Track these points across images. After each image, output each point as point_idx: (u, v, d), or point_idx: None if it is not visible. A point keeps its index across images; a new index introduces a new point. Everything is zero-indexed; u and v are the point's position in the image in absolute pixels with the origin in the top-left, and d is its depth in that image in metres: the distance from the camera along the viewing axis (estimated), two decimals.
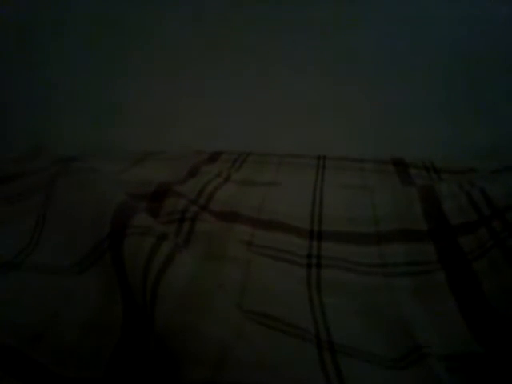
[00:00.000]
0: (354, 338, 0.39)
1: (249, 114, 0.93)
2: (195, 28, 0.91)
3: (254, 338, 0.32)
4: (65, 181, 0.55)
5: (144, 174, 0.70)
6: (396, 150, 0.85)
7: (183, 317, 0.32)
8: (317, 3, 0.88)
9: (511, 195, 0.53)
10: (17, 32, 0.95)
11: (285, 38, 0.90)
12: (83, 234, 0.46)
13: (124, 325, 0.37)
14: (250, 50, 0.91)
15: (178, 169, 0.73)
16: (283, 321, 0.38)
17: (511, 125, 0.86)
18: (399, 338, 0.38)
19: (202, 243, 0.50)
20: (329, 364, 0.35)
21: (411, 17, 0.87)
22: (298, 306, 0.42)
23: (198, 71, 0.93)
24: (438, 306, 0.43)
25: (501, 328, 0.38)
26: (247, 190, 0.68)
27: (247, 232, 0.56)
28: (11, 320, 0.36)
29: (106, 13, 0.93)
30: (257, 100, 0.92)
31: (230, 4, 0.90)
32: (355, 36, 0.89)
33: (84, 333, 0.37)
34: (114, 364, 0.34)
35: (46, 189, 0.55)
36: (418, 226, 0.55)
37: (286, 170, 0.80)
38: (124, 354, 0.35)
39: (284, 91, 0.92)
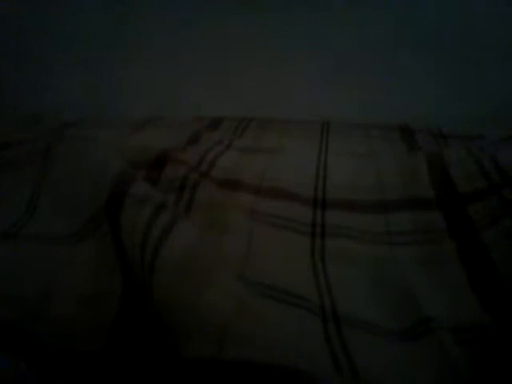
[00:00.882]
0: (360, 309, 0.38)
1: (250, 77, 0.90)
2: None
3: (257, 312, 0.31)
4: (61, 149, 0.53)
5: (143, 141, 0.68)
6: (402, 116, 0.83)
7: (182, 290, 0.31)
8: None
9: None
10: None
11: (286, 15, 0.87)
12: (81, 203, 0.45)
13: (123, 296, 0.36)
14: (250, 21, 0.89)
15: (178, 135, 0.72)
16: (287, 292, 0.37)
17: None
18: (406, 309, 0.37)
19: (202, 212, 0.49)
20: (334, 336, 0.34)
21: None
22: (302, 277, 0.41)
23: (197, 32, 0.91)
24: (446, 276, 0.42)
25: (510, 297, 0.37)
26: (249, 158, 0.66)
27: (249, 200, 0.55)
28: (7, 293, 0.36)
29: None
30: (258, 64, 0.90)
31: None
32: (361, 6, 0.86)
33: (82, 305, 0.36)
34: (114, 336, 0.34)
35: (42, 157, 0.53)
36: (426, 194, 0.54)
37: (289, 136, 0.78)
38: (123, 327, 0.35)
39: (286, 55, 0.90)
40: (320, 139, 0.75)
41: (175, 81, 0.92)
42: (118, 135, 0.73)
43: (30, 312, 0.35)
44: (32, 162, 0.54)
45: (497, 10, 0.82)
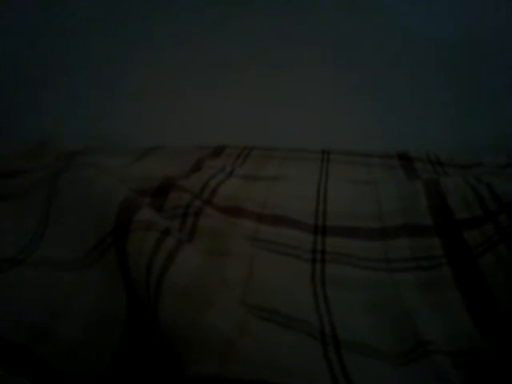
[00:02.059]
0: (359, 334, 0.38)
1: (250, 108, 0.92)
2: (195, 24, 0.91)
3: (258, 334, 0.32)
4: (68, 176, 0.54)
5: (147, 169, 0.69)
6: (401, 144, 0.84)
7: (186, 312, 0.31)
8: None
9: None
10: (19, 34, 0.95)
11: (285, 31, 0.89)
12: (87, 229, 0.45)
13: (128, 321, 0.37)
14: (249, 45, 0.91)
15: (181, 163, 0.73)
16: (287, 316, 0.38)
17: None
18: (404, 333, 0.38)
19: (205, 238, 0.50)
20: (334, 359, 0.34)
21: (412, 10, 0.86)
22: (303, 301, 0.42)
23: (199, 66, 0.93)
24: (444, 302, 0.42)
25: (507, 324, 0.38)
26: (251, 185, 0.67)
27: (251, 227, 0.56)
28: (14, 316, 0.36)
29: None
30: (258, 95, 0.92)
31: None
32: (357, 29, 0.88)
33: (87, 329, 0.37)
34: (118, 360, 0.34)
35: (49, 185, 0.55)
36: (423, 221, 0.55)
37: (290, 164, 0.80)
38: (128, 351, 0.35)
39: (285, 86, 0.92)
40: (320, 167, 0.77)
41: (174, 106, 0.94)
42: (123, 163, 0.75)
43: (37, 335, 0.35)
44: (39, 190, 0.55)
45: (497, 36, 0.85)
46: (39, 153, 0.80)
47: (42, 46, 0.95)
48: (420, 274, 0.47)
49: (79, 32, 0.94)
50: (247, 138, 0.89)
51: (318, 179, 0.70)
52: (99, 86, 0.95)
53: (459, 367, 0.34)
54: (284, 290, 0.43)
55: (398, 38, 0.87)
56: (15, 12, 0.93)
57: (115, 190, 0.48)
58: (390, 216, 0.58)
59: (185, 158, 0.76)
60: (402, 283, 0.46)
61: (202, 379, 0.28)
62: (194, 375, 0.28)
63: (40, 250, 0.47)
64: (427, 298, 0.43)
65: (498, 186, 0.55)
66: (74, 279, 0.42)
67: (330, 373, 0.32)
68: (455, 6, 0.85)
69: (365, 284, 0.46)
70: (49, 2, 0.93)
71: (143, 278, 0.35)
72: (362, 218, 0.58)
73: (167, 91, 0.94)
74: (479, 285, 0.43)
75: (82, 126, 0.94)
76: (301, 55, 0.90)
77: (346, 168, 0.77)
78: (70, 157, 0.75)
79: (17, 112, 0.96)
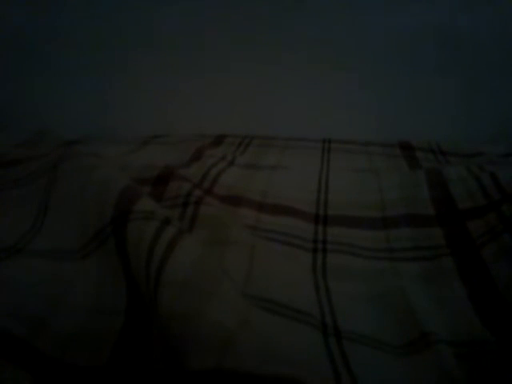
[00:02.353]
0: (360, 324, 0.38)
1: (251, 97, 0.91)
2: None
3: (259, 325, 0.31)
4: (67, 165, 0.54)
5: (147, 158, 0.69)
6: (402, 133, 0.84)
7: (186, 303, 0.31)
8: None
9: None
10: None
11: (284, 24, 0.88)
12: (86, 219, 0.45)
13: (128, 312, 0.37)
14: (249, 37, 0.90)
15: (181, 152, 0.73)
16: (288, 307, 0.37)
17: None
18: (406, 324, 0.38)
19: (205, 228, 0.50)
20: (335, 350, 0.34)
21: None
22: (304, 292, 0.42)
23: (199, 55, 0.92)
24: (446, 292, 0.42)
25: (510, 314, 0.38)
26: (252, 174, 0.67)
27: (252, 216, 0.55)
28: (13, 306, 0.36)
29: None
30: (259, 84, 0.91)
31: None
32: (359, 18, 0.87)
33: (87, 319, 0.36)
34: (117, 352, 0.34)
35: (48, 174, 0.54)
36: (426, 211, 0.54)
37: (290, 153, 0.79)
38: (127, 342, 0.35)
39: (286, 76, 0.91)
40: (321, 156, 0.76)
41: (175, 95, 0.93)
42: (123, 152, 0.74)
43: (35, 325, 0.35)
44: (38, 179, 0.55)
45: (500, 29, 0.84)
46: (38, 142, 0.79)
47: (42, 36, 0.94)
48: (422, 264, 0.47)
49: (78, 23, 0.93)
50: (248, 128, 0.88)
51: (319, 168, 0.70)
52: (99, 75, 0.94)
53: (461, 358, 0.34)
54: (285, 281, 0.42)
55: (399, 29, 0.86)
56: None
57: (115, 179, 0.47)
58: (391, 205, 0.57)
59: (185, 147, 0.76)
60: (403, 273, 0.45)
61: (202, 371, 0.27)
62: (194, 367, 0.28)
63: (38, 240, 0.47)
64: (429, 288, 0.43)
65: (500, 175, 0.54)
66: (72, 269, 0.42)
67: (332, 364, 0.32)
68: None
69: (366, 274, 0.46)
70: None
71: (143, 268, 0.35)
72: (364, 207, 0.58)
73: (167, 80, 0.93)
74: (482, 275, 0.43)
75: (81, 115, 0.93)
76: (301, 45, 0.89)
77: (347, 157, 0.77)
78: (69, 146, 0.74)
79: (16, 102, 0.96)
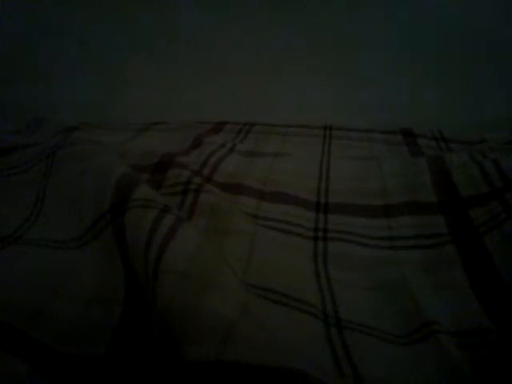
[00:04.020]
0: (361, 313, 0.38)
1: (252, 83, 0.90)
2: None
3: (259, 314, 0.31)
4: (65, 152, 0.53)
5: (146, 145, 0.68)
6: (404, 120, 0.83)
7: (185, 293, 0.31)
8: None
9: None
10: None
11: (285, 11, 0.87)
12: (84, 207, 0.45)
13: (126, 301, 0.36)
14: (250, 23, 0.89)
15: (181, 139, 0.72)
16: (289, 296, 0.37)
17: None
18: (408, 313, 0.37)
19: (205, 216, 0.49)
20: (336, 340, 0.34)
21: None
22: (304, 281, 0.41)
23: (200, 43, 0.91)
24: (448, 281, 0.42)
25: None
26: (252, 161, 0.66)
27: (252, 204, 0.55)
28: (9, 296, 0.36)
29: None
30: (259, 71, 0.90)
31: None
32: (357, 11, 0.86)
33: (85, 309, 0.36)
34: (116, 342, 0.34)
35: (46, 161, 0.54)
36: (428, 198, 0.54)
37: (291, 140, 0.78)
38: (126, 332, 0.35)
39: (286, 64, 0.90)
40: (322, 143, 0.76)
41: (175, 82, 0.92)
42: (121, 139, 0.74)
43: (32, 315, 0.35)
44: (36, 166, 0.54)
45: (501, 16, 0.83)
46: (36, 129, 0.79)
47: (43, 27, 0.93)
48: (424, 253, 0.46)
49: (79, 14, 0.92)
50: (248, 115, 0.88)
51: (320, 156, 0.69)
52: (99, 61, 0.94)
53: (464, 347, 0.33)
54: (285, 269, 0.42)
55: (400, 17, 0.85)
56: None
57: (113, 167, 0.47)
58: (393, 193, 0.57)
59: (185, 134, 0.75)
60: (405, 261, 0.45)
61: (202, 363, 0.27)
62: (194, 358, 0.27)
63: (36, 229, 0.46)
64: (431, 277, 0.42)
65: (504, 162, 0.54)
66: (70, 258, 0.41)
67: (333, 354, 0.32)
68: None
69: (368, 263, 0.45)
70: None
71: (142, 257, 0.34)
72: (365, 195, 0.57)
73: (167, 67, 0.92)
74: (484, 264, 0.42)
75: (81, 101, 0.93)
76: (301, 33, 0.88)
77: (349, 144, 0.76)
78: (67, 132, 0.74)
79: (16, 89, 0.95)
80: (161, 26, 0.91)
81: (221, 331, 0.28)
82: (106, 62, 0.94)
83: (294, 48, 0.89)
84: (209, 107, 0.90)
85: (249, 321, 0.29)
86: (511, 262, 0.41)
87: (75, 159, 0.51)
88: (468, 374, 0.31)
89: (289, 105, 0.89)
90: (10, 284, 0.37)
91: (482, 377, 0.31)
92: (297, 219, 0.52)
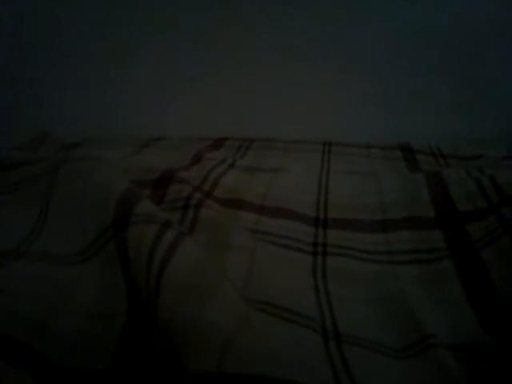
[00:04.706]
0: (360, 328, 0.38)
1: (252, 99, 0.92)
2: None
3: (259, 328, 0.32)
4: (68, 168, 0.54)
5: (147, 161, 0.69)
6: (402, 136, 0.84)
7: (187, 306, 0.31)
8: None
9: None
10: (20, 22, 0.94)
11: (284, 25, 0.89)
12: (86, 222, 0.45)
13: (128, 315, 0.37)
14: (250, 38, 0.90)
15: (181, 155, 0.73)
16: (288, 310, 0.37)
17: None
18: (406, 327, 0.38)
19: (206, 231, 0.50)
20: (335, 353, 0.34)
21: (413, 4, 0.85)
22: (304, 295, 0.42)
23: (198, 57, 0.92)
24: (446, 295, 0.42)
25: (509, 318, 0.38)
26: (252, 177, 0.67)
27: (252, 219, 0.55)
28: (13, 310, 0.36)
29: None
30: (258, 88, 0.91)
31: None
32: (357, 21, 0.87)
33: (86, 323, 0.36)
34: (118, 355, 0.34)
35: (49, 176, 0.54)
36: (426, 213, 0.54)
37: (291, 156, 0.79)
38: (128, 345, 0.35)
39: (285, 78, 0.91)
40: (321, 159, 0.76)
41: (172, 100, 0.94)
42: (123, 155, 0.74)
43: (36, 329, 0.35)
44: (39, 182, 0.55)
45: (500, 29, 0.84)
46: (39, 145, 0.79)
47: (42, 38, 0.94)
48: (422, 267, 0.47)
49: (79, 24, 0.93)
50: (248, 131, 0.89)
51: (320, 171, 0.70)
52: (99, 77, 0.95)
53: (461, 361, 0.34)
54: (285, 284, 0.42)
55: (397, 32, 0.86)
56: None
57: (115, 182, 0.47)
58: (391, 208, 0.57)
59: (185, 150, 0.76)
60: (403, 276, 0.45)
61: (202, 374, 0.27)
62: (194, 370, 0.28)
63: (39, 243, 0.47)
64: (429, 291, 0.43)
65: (500, 178, 0.54)
66: (73, 273, 0.42)
67: (331, 367, 0.32)
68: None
69: (366, 277, 0.46)
70: None
71: (143, 271, 0.35)
72: (364, 210, 0.58)
73: (167, 83, 0.93)
74: (482, 278, 0.43)
75: (82, 118, 0.93)
76: (301, 48, 0.89)
77: (348, 160, 0.77)
78: (69, 149, 0.74)
79: (17, 105, 0.96)
80: (161, 39, 0.91)
81: (221, 342, 0.28)
82: (106, 77, 0.95)
83: (293, 64, 0.90)
84: (209, 123, 0.90)
85: (248, 333, 0.30)
86: (508, 277, 0.41)
87: (78, 175, 0.52)
88: None
89: (288, 121, 0.90)
90: (14, 299, 0.38)
91: None
92: (296, 234, 0.53)
